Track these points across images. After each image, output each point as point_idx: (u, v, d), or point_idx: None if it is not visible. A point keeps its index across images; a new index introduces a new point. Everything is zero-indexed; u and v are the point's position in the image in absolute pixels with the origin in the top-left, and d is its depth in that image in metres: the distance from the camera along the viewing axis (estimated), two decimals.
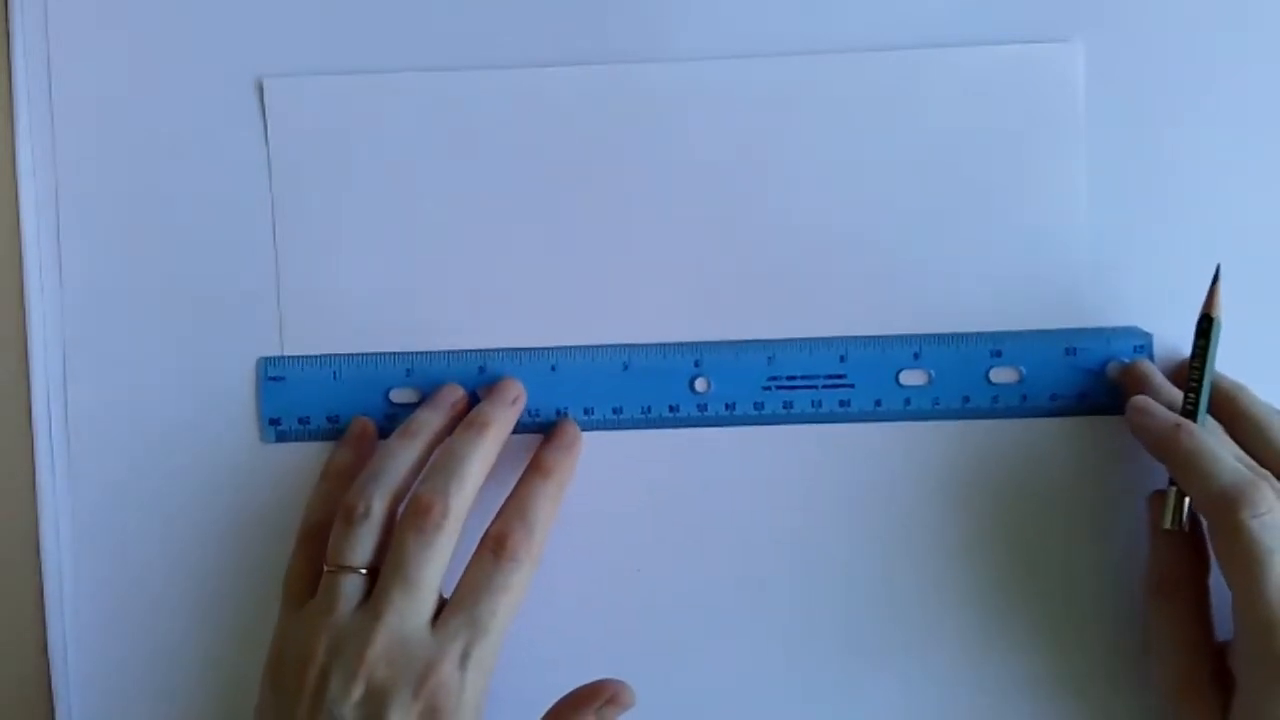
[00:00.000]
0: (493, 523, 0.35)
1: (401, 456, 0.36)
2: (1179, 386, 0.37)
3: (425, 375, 0.39)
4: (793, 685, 0.39)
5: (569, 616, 0.39)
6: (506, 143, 0.39)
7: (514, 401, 0.38)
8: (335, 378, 0.39)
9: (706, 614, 0.39)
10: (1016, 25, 0.38)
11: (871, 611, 0.38)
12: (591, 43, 0.39)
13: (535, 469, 0.37)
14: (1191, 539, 0.35)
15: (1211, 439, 0.34)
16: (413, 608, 0.33)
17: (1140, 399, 0.36)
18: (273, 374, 0.39)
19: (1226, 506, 0.33)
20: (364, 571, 0.34)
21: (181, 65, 0.39)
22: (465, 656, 0.33)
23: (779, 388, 0.39)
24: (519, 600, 0.35)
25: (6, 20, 0.39)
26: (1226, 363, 0.36)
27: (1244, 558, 0.32)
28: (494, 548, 0.34)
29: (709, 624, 0.39)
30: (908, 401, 0.38)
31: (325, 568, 0.35)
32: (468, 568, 0.35)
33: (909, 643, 0.38)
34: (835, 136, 0.39)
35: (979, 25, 0.38)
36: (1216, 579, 0.35)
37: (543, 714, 0.34)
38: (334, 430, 0.39)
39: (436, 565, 0.34)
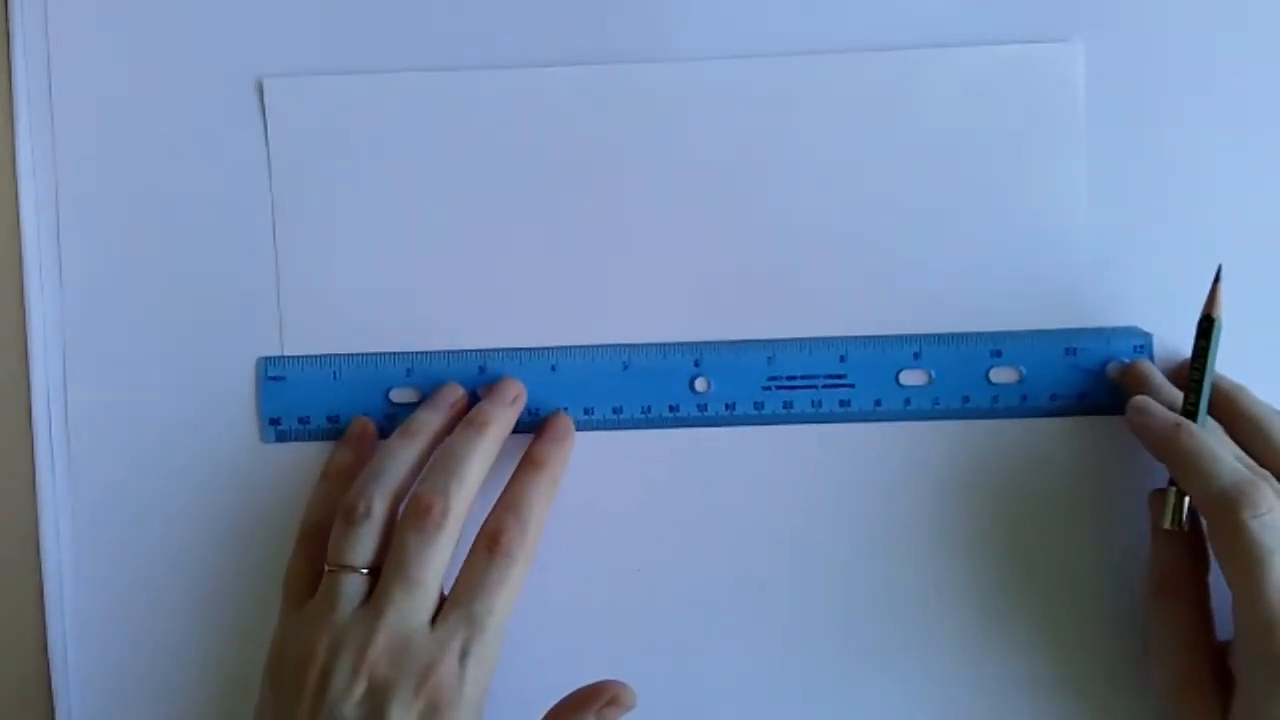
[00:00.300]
0: (486, 520, 0.35)
1: (401, 456, 0.36)
2: (1179, 387, 0.37)
3: (425, 375, 0.39)
4: (793, 685, 0.39)
5: (569, 616, 0.39)
6: (506, 143, 0.39)
7: (514, 401, 0.38)
8: (335, 378, 0.39)
9: (706, 614, 0.39)
10: (1016, 25, 0.38)
11: (871, 611, 0.39)
12: (591, 43, 0.39)
13: (527, 463, 0.37)
14: (1192, 539, 0.35)
15: (1212, 439, 0.34)
16: (414, 607, 0.33)
17: (1141, 398, 0.36)
18: (273, 374, 0.39)
19: (1227, 506, 0.33)
20: (365, 571, 0.34)
21: (181, 65, 0.39)
22: (464, 654, 0.33)
23: (779, 388, 0.39)
24: (515, 595, 0.35)
25: (6, 20, 0.39)
26: (1226, 363, 0.36)
27: (1244, 558, 0.32)
28: (488, 545, 0.34)
29: (709, 624, 0.39)
30: (908, 401, 0.38)
31: (326, 567, 0.35)
32: (463, 565, 0.35)
33: (909, 643, 0.38)
34: (835, 136, 0.39)
35: (979, 25, 0.38)
36: (1217, 579, 0.35)
37: (543, 715, 0.34)
38: (334, 430, 0.39)
39: (437, 564, 0.34)
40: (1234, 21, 0.38)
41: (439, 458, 0.36)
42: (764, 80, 0.39)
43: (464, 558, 0.35)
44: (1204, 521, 0.35)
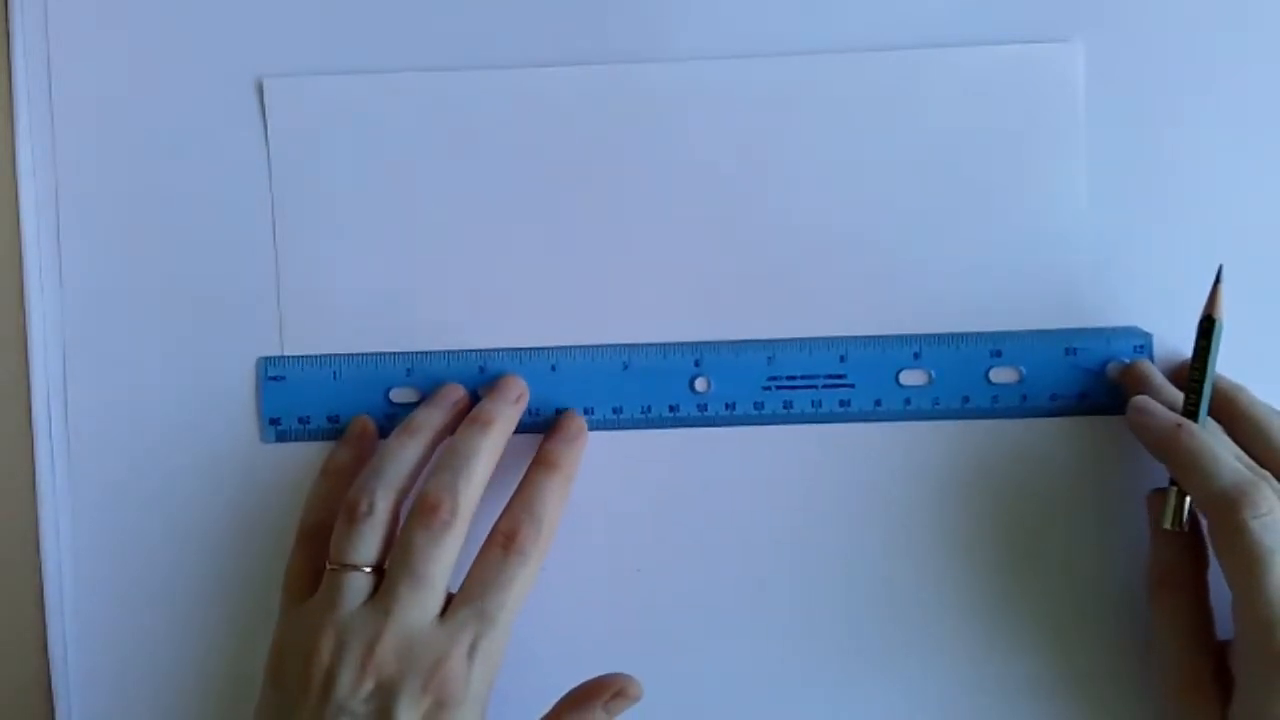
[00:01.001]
0: (501, 517, 0.35)
1: (403, 455, 0.36)
2: (1179, 387, 0.37)
3: (425, 375, 0.39)
4: (793, 685, 0.39)
5: (569, 616, 0.39)
6: (506, 143, 0.39)
7: (517, 400, 0.38)
8: (335, 378, 0.39)
9: (707, 614, 0.39)
10: (1016, 25, 0.38)
11: (871, 611, 0.38)
12: (591, 43, 0.39)
13: (541, 463, 0.37)
14: (1191, 537, 0.36)
15: (1212, 439, 0.34)
16: (421, 604, 0.34)
17: (1141, 399, 0.36)
18: (273, 374, 0.39)
19: (1228, 506, 0.33)
20: (368, 569, 0.34)
21: (181, 65, 0.39)
22: (474, 649, 0.33)
23: (779, 388, 0.39)
24: (526, 593, 0.35)
25: (6, 20, 0.39)
26: (1226, 363, 0.36)
27: (1245, 558, 0.32)
28: (503, 543, 0.35)
29: (709, 624, 0.39)
30: (908, 401, 0.38)
31: (328, 565, 0.35)
32: (476, 561, 0.35)
33: (909, 642, 0.38)
34: (835, 136, 0.39)
35: (979, 25, 0.38)
36: (1217, 577, 0.35)
37: (550, 707, 0.34)
38: (334, 430, 0.39)
39: (445, 562, 0.34)
40: (1234, 21, 0.38)
41: (445, 456, 0.36)
42: (764, 80, 0.39)
43: (465, 556, 0.35)
44: (1204, 521, 0.35)
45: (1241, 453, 0.35)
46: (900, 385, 0.38)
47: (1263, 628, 0.32)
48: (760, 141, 0.39)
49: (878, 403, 0.38)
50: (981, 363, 0.38)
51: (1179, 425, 0.35)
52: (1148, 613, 0.36)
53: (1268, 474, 0.34)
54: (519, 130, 0.39)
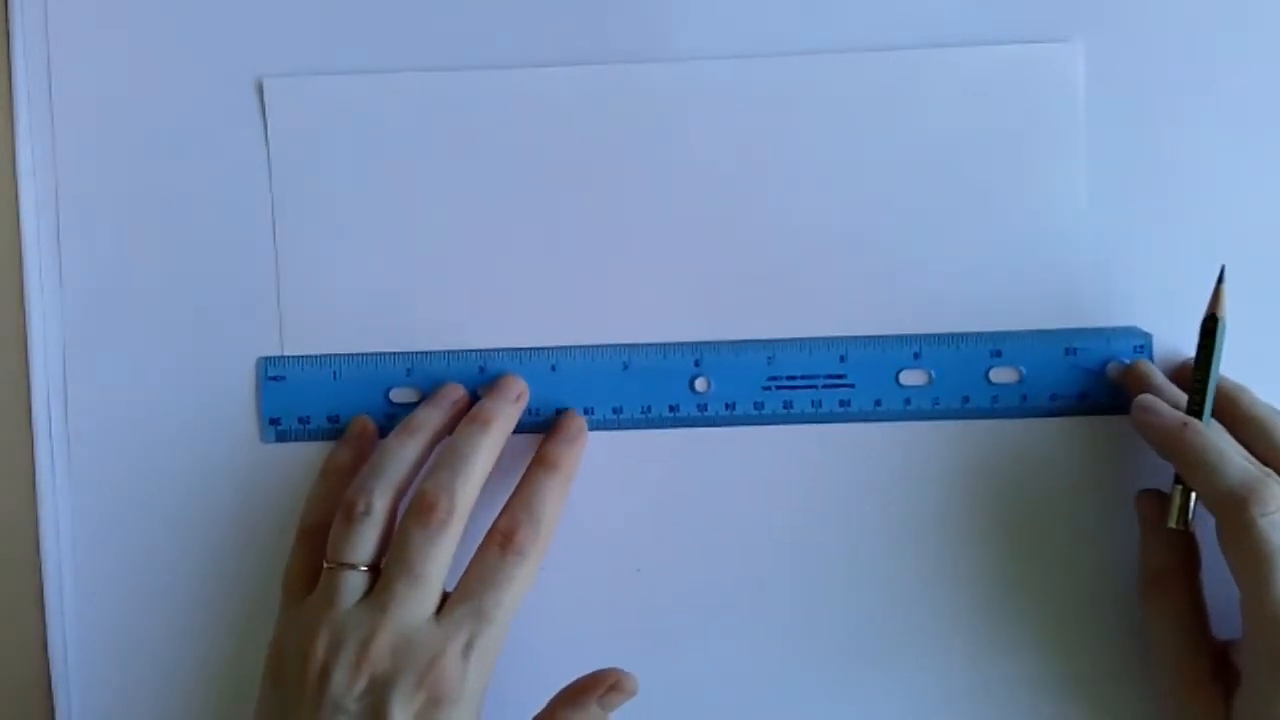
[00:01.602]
0: (500, 516, 0.35)
1: (402, 454, 0.36)
2: (1179, 387, 0.37)
3: (425, 375, 0.39)
4: (793, 685, 0.38)
5: (568, 616, 0.39)
6: (506, 143, 0.39)
7: (517, 399, 0.38)
8: (335, 378, 0.39)
9: (706, 614, 0.39)
10: (1016, 25, 0.38)
11: (872, 612, 0.38)
12: (591, 43, 0.39)
13: (540, 463, 0.37)
14: (1183, 536, 0.36)
15: (1219, 437, 0.34)
16: (417, 602, 0.33)
17: (1147, 397, 0.36)
18: (273, 374, 0.39)
19: (1236, 504, 0.33)
20: (365, 568, 0.34)
21: (181, 65, 0.39)
22: (469, 647, 0.33)
23: (779, 388, 0.39)
24: (524, 592, 0.35)
25: (6, 20, 0.39)
26: (1227, 364, 0.36)
27: (1253, 555, 0.32)
28: (501, 541, 0.35)
29: (709, 624, 0.39)
30: (908, 401, 0.38)
31: (325, 564, 0.35)
32: (473, 560, 0.35)
33: (909, 642, 0.38)
34: (835, 136, 0.39)
35: (979, 25, 0.38)
36: (1212, 576, 0.35)
37: (547, 703, 0.34)
38: (334, 430, 0.39)
39: (441, 561, 0.34)
40: (1234, 21, 0.38)
41: (443, 454, 0.36)
42: (764, 80, 0.39)
43: (464, 553, 0.35)
44: (1214, 519, 0.34)
45: (1246, 452, 0.35)
46: (900, 385, 0.38)
47: (1270, 625, 0.32)
48: (760, 141, 0.39)
49: (878, 403, 0.38)
50: (981, 363, 0.38)
51: (1185, 423, 0.35)
52: (1143, 610, 0.36)
53: (1272, 473, 0.34)
54: (519, 130, 0.39)
